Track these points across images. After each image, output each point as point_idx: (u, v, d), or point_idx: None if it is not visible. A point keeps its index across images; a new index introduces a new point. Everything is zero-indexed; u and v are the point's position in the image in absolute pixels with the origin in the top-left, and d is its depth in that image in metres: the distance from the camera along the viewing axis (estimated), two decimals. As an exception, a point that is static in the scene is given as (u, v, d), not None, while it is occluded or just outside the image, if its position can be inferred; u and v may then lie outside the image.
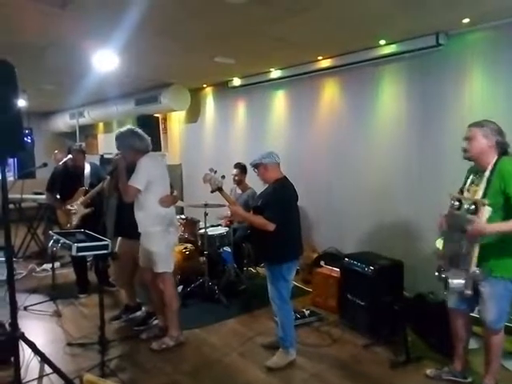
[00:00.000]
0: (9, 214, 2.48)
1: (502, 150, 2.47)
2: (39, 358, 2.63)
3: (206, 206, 4.42)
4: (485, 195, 2.39)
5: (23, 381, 2.60)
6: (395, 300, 3.36)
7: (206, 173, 3.12)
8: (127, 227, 3.32)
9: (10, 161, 8.55)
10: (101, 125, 9.86)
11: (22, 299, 4.05)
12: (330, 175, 5.01)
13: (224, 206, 4.11)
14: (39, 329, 3.68)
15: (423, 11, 3.23)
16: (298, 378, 2.94)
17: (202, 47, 4.30)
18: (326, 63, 4.79)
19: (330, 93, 4.99)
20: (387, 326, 3.35)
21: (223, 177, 3.17)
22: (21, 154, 2.62)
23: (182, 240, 4.79)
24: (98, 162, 5.79)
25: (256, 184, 4.22)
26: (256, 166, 3.07)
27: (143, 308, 3.90)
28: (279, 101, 5.65)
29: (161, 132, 7.51)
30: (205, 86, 6.81)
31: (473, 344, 2.98)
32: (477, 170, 2.55)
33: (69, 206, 4.27)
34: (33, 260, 5.75)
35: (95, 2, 3.07)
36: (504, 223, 2.35)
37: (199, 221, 4.94)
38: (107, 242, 2.83)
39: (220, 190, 3.15)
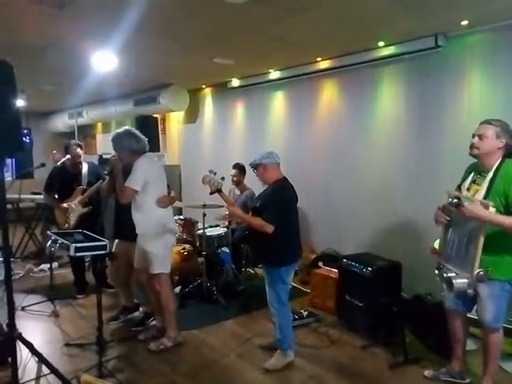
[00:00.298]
0: (7, 214, 2.48)
1: (508, 152, 2.45)
2: (37, 359, 2.62)
3: (204, 206, 4.41)
4: (487, 196, 2.38)
5: (21, 381, 2.58)
6: (393, 301, 3.36)
7: (206, 174, 3.08)
8: (125, 229, 3.31)
9: (8, 161, 8.53)
10: (99, 125, 9.85)
11: (20, 299, 4.03)
12: (328, 176, 5.02)
13: (222, 206, 4.11)
14: (37, 329, 3.66)
15: (422, 13, 3.24)
16: (296, 380, 2.94)
17: (201, 48, 4.31)
18: (325, 64, 4.79)
19: (329, 94, 5.00)
20: (385, 327, 3.35)
21: (223, 178, 3.14)
22: (19, 154, 2.61)
23: (180, 240, 4.79)
24: (96, 162, 5.78)
25: (255, 185, 4.22)
26: (255, 166, 3.04)
27: (141, 309, 3.89)
28: (278, 102, 5.66)
29: (159, 132, 7.51)
30: (204, 86, 6.81)
31: (471, 345, 2.99)
32: (478, 169, 2.52)
33: (65, 205, 4.25)
34: (30, 260, 5.74)
35: (94, 2, 3.07)
36: (501, 216, 2.29)
37: (197, 221, 4.94)
38: (105, 242, 2.83)
39: (219, 191, 3.10)
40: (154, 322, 3.66)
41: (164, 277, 3.27)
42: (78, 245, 2.74)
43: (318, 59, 4.79)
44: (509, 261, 2.40)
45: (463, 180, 2.62)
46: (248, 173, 4.90)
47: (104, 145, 9.50)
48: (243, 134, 6.22)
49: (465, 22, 3.46)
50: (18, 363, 2.49)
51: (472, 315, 2.72)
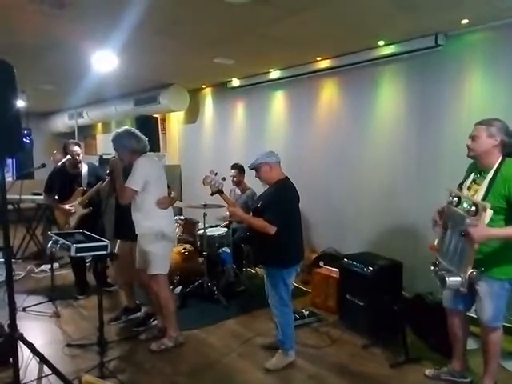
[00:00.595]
0: (7, 214, 2.48)
1: (507, 151, 2.43)
2: (38, 359, 2.63)
3: (205, 206, 4.41)
4: (486, 197, 2.37)
5: (22, 382, 2.59)
6: (394, 300, 3.36)
7: (207, 175, 3.05)
8: (126, 229, 3.31)
9: (9, 161, 8.54)
10: (99, 125, 9.86)
11: (21, 300, 4.04)
12: (328, 175, 5.02)
13: (223, 206, 4.10)
14: (38, 330, 3.67)
15: (422, 12, 3.24)
16: (297, 379, 2.94)
17: (202, 48, 4.31)
18: (325, 64, 4.79)
19: (329, 93, 5.00)
20: (386, 326, 3.35)
21: (223, 179, 3.11)
22: (19, 155, 2.61)
23: (180, 241, 4.79)
24: (96, 163, 5.78)
25: (256, 184, 4.22)
26: (258, 166, 2.96)
27: (142, 309, 3.89)
28: (278, 101, 5.66)
29: (160, 132, 7.50)
30: (204, 86, 6.81)
31: (472, 344, 2.98)
32: (478, 168, 2.52)
33: (66, 206, 4.24)
34: (31, 261, 5.74)
35: (94, 2, 3.07)
36: (505, 229, 2.32)
37: (198, 221, 4.94)
38: (106, 242, 2.82)
39: (220, 192, 3.06)
40: (155, 322, 3.66)
41: (162, 277, 3.26)
42: (79, 245, 2.73)
43: (318, 59, 4.79)
44: (508, 260, 2.39)
45: (465, 179, 2.61)
46: (248, 173, 4.91)
47: (104, 145, 9.50)
48: (243, 134, 6.22)
49: (465, 21, 3.46)
50: (20, 364, 2.49)
51: (472, 314, 2.72)
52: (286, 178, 3.04)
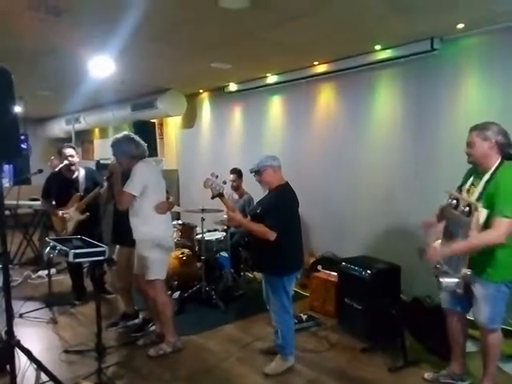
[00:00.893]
0: (5, 220, 2.47)
1: (505, 152, 2.45)
2: (35, 366, 2.61)
3: (202, 211, 4.41)
4: (480, 197, 2.39)
5: (19, 389, 2.57)
6: (392, 304, 3.36)
7: (208, 178, 3.01)
8: (125, 234, 3.30)
9: (6, 167, 8.51)
10: (97, 130, 9.84)
11: (18, 306, 4.01)
12: (326, 179, 5.02)
13: (221, 211, 4.11)
14: (35, 336, 3.64)
15: (418, 16, 3.26)
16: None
17: (199, 53, 4.32)
18: (322, 68, 4.81)
19: (326, 98, 5.02)
20: (385, 330, 3.35)
21: (224, 182, 3.09)
22: (17, 160, 2.61)
23: (178, 245, 4.78)
24: (93, 168, 5.77)
25: (252, 189, 4.23)
26: (262, 169, 2.92)
27: (140, 315, 3.87)
28: (275, 106, 5.67)
29: (157, 137, 7.51)
30: (201, 91, 6.82)
31: (471, 347, 2.98)
32: (479, 172, 2.53)
33: (60, 213, 4.19)
34: (28, 267, 5.72)
35: (91, 9, 3.07)
36: (456, 245, 2.41)
37: (196, 226, 4.94)
38: (104, 248, 2.82)
39: (221, 196, 3.02)
40: (153, 328, 3.64)
41: (159, 283, 3.25)
42: (77, 251, 2.72)
43: (316, 63, 4.81)
44: (503, 262, 2.40)
45: (464, 182, 2.63)
46: (245, 178, 4.92)
47: (101, 150, 9.49)
48: (241, 139, 6.23)
49: (460, 26, 3.49)
50: (17, 371, 2.47)
51: (471, 317, 2.72)
52: (287, 183, 3.02)
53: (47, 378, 2.61)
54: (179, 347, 3.35)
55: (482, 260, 2.38)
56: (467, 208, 2.34)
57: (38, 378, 2.74)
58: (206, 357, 3.28)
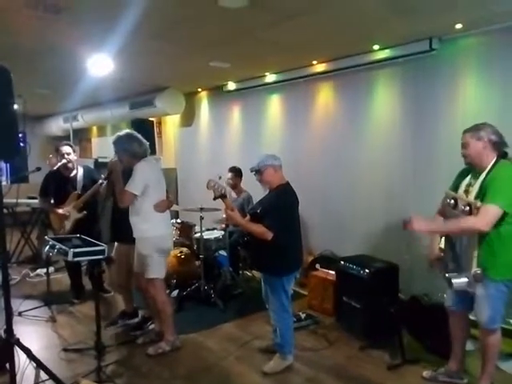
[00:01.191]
0: (3, 218, 2.47)
1: (500, 150, 2.48)
2: (35, 364, 2.61)
3: (201, 209, 4.42)
4: (478, 196, 2.41)
5: (19, 387, 2.58)
6: (391, 302, 3.38)
7: (210, 179, 2.96)
8: (124, 232, 3.30)
9: (2, 165, 8.47)
10: (95, 129, 9.82)
11: (17, 304, 4.01)
12: (325, 178, 5.03)
13: (220, 209, 4.11)
14: (34, 334, 3.64)
15: (417, 16, 3.27)
16: (295, 382, 2.94)
17: (198, 51, 4.32)
18: (320, 67, 4.82)
19: (325, 97, 5.02)
20: (383, 328, 3.36)
21: (219, 178, 3.07)
22: (15, 159, 2.60)
23: (177, 244, 4.78)
24: (92, 166, 5.76)
25: (252, 188, 4.23)
26: (263, 168, 2.91)
27: (140, 314, 3.87)
28: (274, 105, 5.68)
29: (155, 136, 7.49)
30: (200, 89, 6.81)
31: (469, 346, 3.00)
32: (476, 171, 2.54)
33: (60, 211, 4.21)
34: (26, 265, 5.71)
35: (90, 7, 3.07)
36: (440, 223, 2.52)
37: (195, 225, 4.94)
38: (103, 247, 2.82)
39: (223, 197, 2.96)
40: (152, 326, 3.65)
41: (159, 282, 3.26)
42: (77, 250, 2.73)
43: (314, 62, 4.81)
44: (503, 261, 2.41)
45: (456, 183, 2.66)
46: (245, 177, 4.92)
47: (99, 148, 9.47)
48: (239, 138, 6.23)
49: (459, 26, 3.50)
50: (16, 369, 2.48)
51: (472, 316, 2.74)
52: (287, 182, 3.02)
53: (47, 377, 2.61)
54: (178, 346, 3.36)
55: (483, 260, 2.39)
56: (467, 207, 2.35)
57: (37, 376, 2.75)
58: (205, 355, 3.29)
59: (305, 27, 3.53)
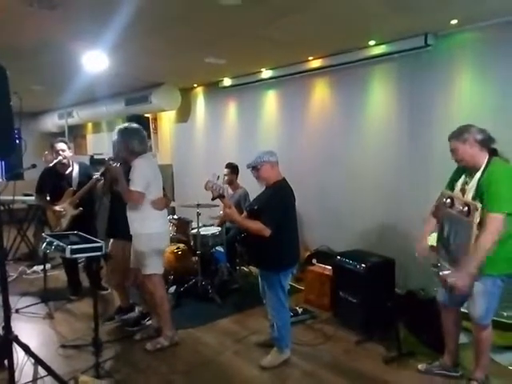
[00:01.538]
0: (0, 216, 2.47)
1: (489, 147, 2.50)
2: (33, 361, 2.62)
3: (198, 206, 4.42)
4: (476, 196, 2.43)
5: (17, 383, 2.58)
6: (387, 297, 3.41)
7: (209, 180, 2.95)
8: (120, 228, 3.31)
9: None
10: (90, 125, 9.78)
11: (14, 301, 4.00)
12: (321, 174, 5.05)
13: (217, 206, 4.12)
14: (32, 331, 3.65)
15: (413, 12, 3.27)
16: (293, 376, 2.97)
17: (193, 48, 4.30)
18: (316, 63, 4.82)
19: (321, 93, 5.03)
20: (379, 322, 3.40)
21: (217, 177, 3.08)
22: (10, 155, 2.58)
23: (174, 240, 4.79)
24: (87, 163, 5.74)
25: (250, 184, 4.23)
26: (259, 165, 2.92)
27: (136, 309, 3.88)
28: (270, 101, 5.68)
29: (151, 132, 7.48)
30: (195, 85, 6.80)
31: (463, 339, 3.04)
32: (470, 170, 2.56)
33: (56, 208, 4.19)
34: (23, 262, 5.70)
35: (85, 3, 3.05)
36: (474, 258, 2.36)
37: (192, 221, 4.94)
38: (101, 243, 2.82)
39: (221, 197, 2.97)
40: (149, 322, 3.66)
41: (157, 277, 3.27)
42: (74, 247, 2.73)
43: (310, 58, 4.81)
44: (501, 256, 2.43)
45: (454, 179, 2.67)
46: (242, 173, 4.93)
47: (94, 145, 9.43)
48: (235, 133, 6.23)
49: (454, 21, 3.51)
50: (15, 366, 2.48)
51: (464, 309, 2.78)
52: (284, 179, 3.03)
53: (45, 373, 2.62)
54: (176, 341, 3.37)
55: None
56: (466, 208, 2.37)
57: (35, 372, 2.76)
58: (203, 350, 3.32)
59: (300, 23, 3.53)
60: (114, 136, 3.21)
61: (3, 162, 8.49)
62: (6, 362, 2.47)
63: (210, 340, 3.48)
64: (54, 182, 4.29)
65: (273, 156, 2.97)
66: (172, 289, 4.41)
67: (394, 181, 4.32)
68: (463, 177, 2.61)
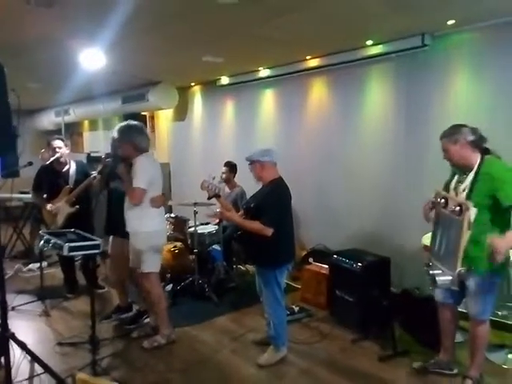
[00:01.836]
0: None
1: (481, 147, 2.51)
2: (30, 358, 2.62)
3: (195, 204, 4.43)
4: (469, 196, 2.45)
5: (14, 381, 2.57)
6: (383, 295, 3.43)
7: (204, 180, 2.99)
8: (119, 226, 3.30)
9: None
10: (86, 123, 9.75)
11: (10, 299, 3.98)
12: (318, 173, 5.07)
13: (213, 204, 4.12)
14: (28, 329, 3.64)
15: (410, 12, 3.28)
16: (289, 374, 2.98)
17: (191, 46, 4.30)
18: (314, 63, 4.83)
19: (318, 92, 5.04)
20: (375, 321, 3.42)
21: (213, 178, 3.10)
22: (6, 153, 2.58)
23: (171, 238, 4.79)
24: (84, 161, 5.73)
25: (247, 183, 4.24)
26: (252, 162, 2.97)
27: (134, 308, 3.88)
28: (268, 100, 5.68)
29: (148, 130, 7.46)
30: (193, 84, 6.79)
31: (458, 337, 3.06)
32: (463, 170, 2.58)
33: (49, 207, 4.16)
34: (19, 260, 5.68)
35: (82, 0, 3.04)
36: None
37: (189, 219, 4.95)
38: (98, 241, 2.82)
39: (217, 197, 3.01)
40: (147, 320, 3.67)
41: (154, 276, 3.28)
42: (72, 244, 2.74)
43: (308, 57, 4.82)
44: None
45: (450, 179, 2.69)
46: (239, 171, 4.94)
47: (91, 143, 9.41)
48: (233, 132, 6.23)
49: (451, 22, 3.52)
50: (11, 363, 2.48)
51: (460, 308, 2.80)
52: (280, 178, 3.04)
53: (42, 370, 2.62)
54: (173, 339, 3.38)
55: (476, 254, 2.42)
56: (458, 207, 2.39)
57: (32, 369, 2.76)
58: (200, 348, 3.33)
59: (298, 23, 3.53)
60: (115, 134, 3.21)
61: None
62: (2, 359, 2.48)
63: (206, 338, 3.49)
64: (50, 179, 4.28)
65: (267, 156, 2.96)
66: (169, 287, 4.41)
67: (390, 180, 4.34)
68: (456, 177, 2.63)
